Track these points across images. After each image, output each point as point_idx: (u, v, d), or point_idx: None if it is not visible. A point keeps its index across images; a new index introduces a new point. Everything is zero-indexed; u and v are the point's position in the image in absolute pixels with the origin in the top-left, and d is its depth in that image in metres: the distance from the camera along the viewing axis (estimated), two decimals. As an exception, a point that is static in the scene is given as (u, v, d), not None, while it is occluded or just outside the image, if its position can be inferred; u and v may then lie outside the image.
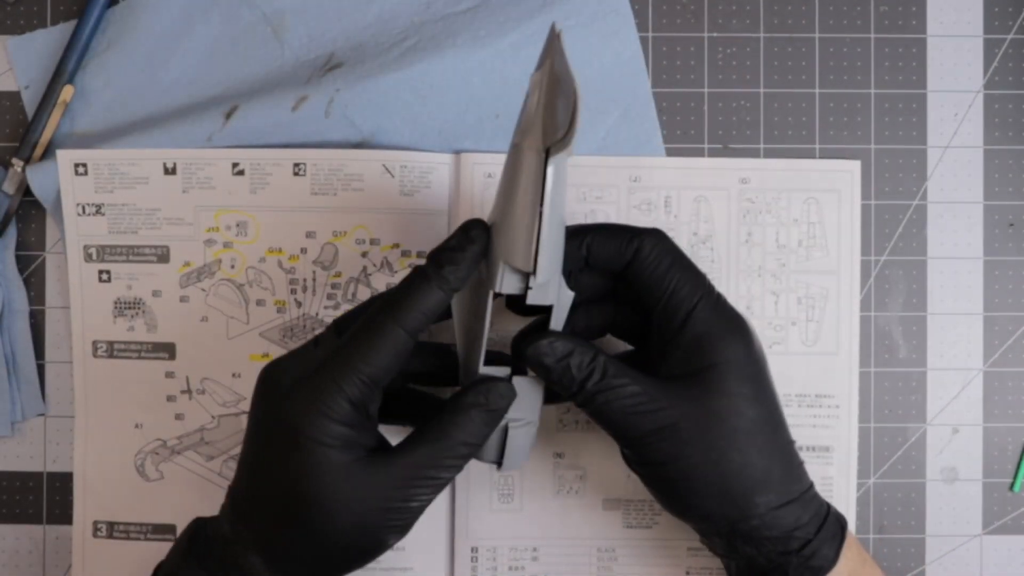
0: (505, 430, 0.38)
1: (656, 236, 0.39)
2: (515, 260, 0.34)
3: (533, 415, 0.39)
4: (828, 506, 0.39)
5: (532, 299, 0.36)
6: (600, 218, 0.47)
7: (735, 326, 0.38)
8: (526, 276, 0.35)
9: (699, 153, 0.48)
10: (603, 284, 0.40)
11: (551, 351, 0.37)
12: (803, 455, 0.40)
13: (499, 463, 0.39)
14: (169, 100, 0.48)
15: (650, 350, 0.40)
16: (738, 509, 0.37)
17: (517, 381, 0.38)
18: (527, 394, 0.38)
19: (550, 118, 0.33)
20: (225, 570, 0.36)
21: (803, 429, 0.47)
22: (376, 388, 0.36)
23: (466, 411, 0.36)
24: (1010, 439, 0.48)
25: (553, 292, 0.36)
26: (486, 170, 0.47)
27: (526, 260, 0.34)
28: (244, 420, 0.46)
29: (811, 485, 0.39)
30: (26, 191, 0.47)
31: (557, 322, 0.38)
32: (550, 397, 0.40)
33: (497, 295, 0.36)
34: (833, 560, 0.37)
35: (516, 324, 0.40)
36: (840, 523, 0.39)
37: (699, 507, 0.37)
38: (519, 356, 0.38)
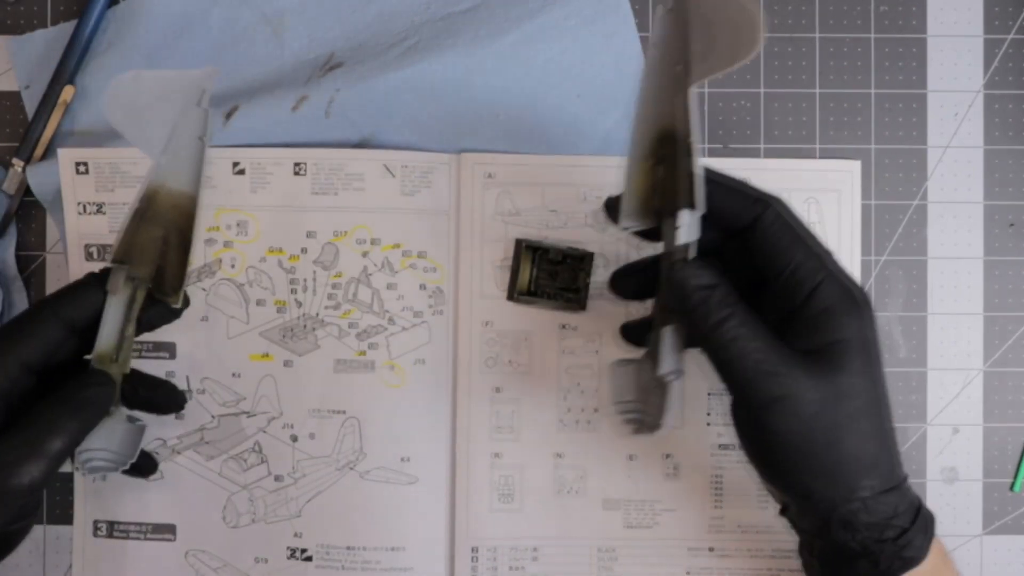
0: (664, 388, 0.37)
1: (778, 207, 0.37)
2: (685, 201, 0.35)
3: (681, 364, 0.37)
4: (920, 500, 0.38)
5: (684, 237, 0.36)
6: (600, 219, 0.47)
7: (858, 302, 0.36)
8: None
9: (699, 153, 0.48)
10: (712, 239, 0.38)
11: (697, 276, 0.36)
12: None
13: (656, 423, 0.37)
14: (169, 100, 0.48)
15: (764, 314, 0.37)
16: (843, 491, 0.36)
17: (666, 331, 0.37)
18: (673, 342, 0.37)
19: (684, 46, 0.35)
20: None
21: (803, 429, 0.46)
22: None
23: (64, 404, 0.37)
24: (1010, 439, 0.48)
25: (697, 226, 0.36)
26: (486, 170, 0.47)
27: (692, 197, 0.35)
28: (244, 420, 0.46)
29: (907, 475, 0.38)
30: (26, 191, 0.47)
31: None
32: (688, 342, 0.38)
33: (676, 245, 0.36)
34: (924, 552, 0.36)
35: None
36: (928, 519, 0.37)
37: (804, 485, 0.36)
38: (663, 279, 0.37)
